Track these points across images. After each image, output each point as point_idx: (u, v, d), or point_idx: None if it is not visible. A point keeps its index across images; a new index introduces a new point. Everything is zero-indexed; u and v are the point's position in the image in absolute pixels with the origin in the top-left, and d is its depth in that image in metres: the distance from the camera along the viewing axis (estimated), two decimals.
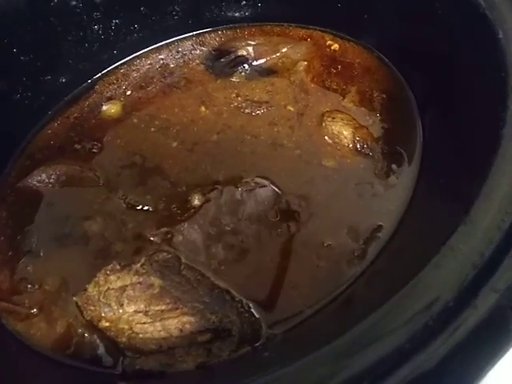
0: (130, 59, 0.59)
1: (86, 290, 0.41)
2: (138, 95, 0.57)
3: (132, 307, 0.39)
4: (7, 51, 0.50)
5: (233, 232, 0.45)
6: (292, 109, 0.53)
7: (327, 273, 0.42)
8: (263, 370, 0.31)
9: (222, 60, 0.57)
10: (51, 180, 0.49)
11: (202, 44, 0.60)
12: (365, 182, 0.47)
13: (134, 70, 0.59)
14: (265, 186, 0.47)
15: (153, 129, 0.53)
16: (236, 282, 0.41)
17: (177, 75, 0.58)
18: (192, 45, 0.60)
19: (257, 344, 0.38)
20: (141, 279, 0.41)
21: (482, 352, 0.25)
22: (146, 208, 0.47)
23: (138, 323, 0.39)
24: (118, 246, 0.45)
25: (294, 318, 0.40)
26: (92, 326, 0.40)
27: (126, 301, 0.40)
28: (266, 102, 0.54)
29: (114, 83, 0.58)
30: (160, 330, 0.38)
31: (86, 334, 0.40)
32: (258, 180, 0.47)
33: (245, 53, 0.57)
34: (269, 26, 0.60)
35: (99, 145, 0.52)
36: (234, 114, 0.53)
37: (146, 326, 0.39)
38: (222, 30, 0.61)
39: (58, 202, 0.49)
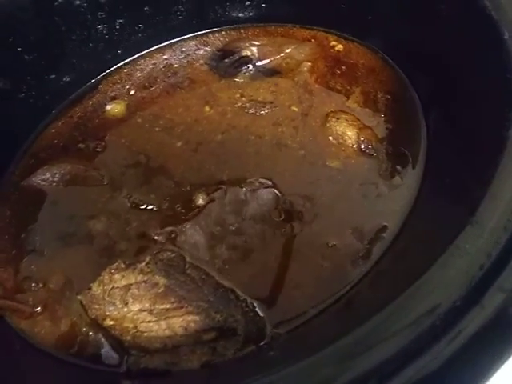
0: (134, 59, 0.59)
1: (90, 288, 0.41)
2: (142, 95, 0.57)
3: (137, 306, 0.40)
4: (12, 50, 0.50)
5: (237, 232, 0.45)
6: (296, 109, 0.53)
7: (332, 273, 0.42)
8: (268, 369, 0.31)
9: (226, 60, 0.57)
10: (55, 179, 0.49)
11: (206, 44, 0.60)
12: (369, 183, 0.47)
13: (137, 70, 0.59)
14: (268, 187, 0.47)
15: (157, 128, 0.53)
16: (240, 282, 0.41)
17: (181, 75, 0.58)
18: (196, 45, 0.60)
19: (261, 343, 0.38)
20: (145, 278, 0.41)
21: (488, 352, 0.25)
22: (150, 207, 0.47)
23: (142, 322, 0.39)
24: (123, 245, 0.45)
25: (299, 317, 0.40)
26: (96, 324, 0.40)
27: (130, 299, 0.40)
28: (271, 103, 0.54)
29: (117, 83, 0.58)
30: (165, 329, 0.38)
31: (90, 333, 0.40)
32: (263, 180, 0.48)
33: (249, 53, 0.57)
34: (273, 27, 0.60)
35: (103, 144, 0.52)
36: (239, 114, 0.53)
37: (151, 324, 0.39)
38: (226, 31, 0.61)
39: (62, 201, 0.49)
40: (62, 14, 0.51)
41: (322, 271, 0.42)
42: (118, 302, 0.40)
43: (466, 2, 0.44)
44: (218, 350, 0.38)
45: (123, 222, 0.46)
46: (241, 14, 0.60)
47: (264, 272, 0.42)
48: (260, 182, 0.48)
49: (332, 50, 0.57)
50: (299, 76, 0.55)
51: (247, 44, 0.58)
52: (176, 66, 0.59)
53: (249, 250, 0.44)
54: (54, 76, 0.54)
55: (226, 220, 0.45)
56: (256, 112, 0.53)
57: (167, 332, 0.38)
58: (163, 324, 0.39)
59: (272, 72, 0.56)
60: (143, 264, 0.41)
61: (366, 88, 0.53)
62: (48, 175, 0.49)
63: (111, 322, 0.40)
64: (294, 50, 0.57)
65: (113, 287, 0.41)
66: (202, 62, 0.59)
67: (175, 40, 0.60)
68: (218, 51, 0.59)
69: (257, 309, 0.40)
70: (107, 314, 0.40)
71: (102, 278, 0.41)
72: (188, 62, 0.59)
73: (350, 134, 0.49)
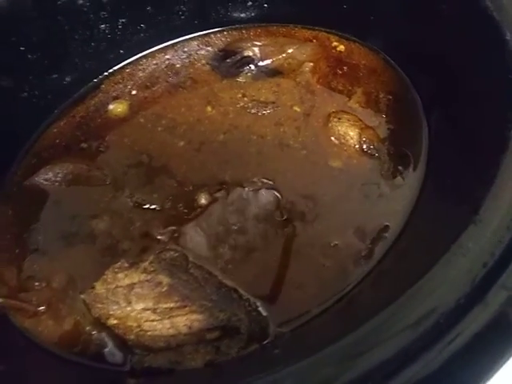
0: (136, 59, 0.59)
1: (93, 287, 0.41)
2: (144, 95, 0.57)
3: (140, 305, 0.40)
4: (15, 49, 0.50)
5: (239, 231, 0.45)
6: (298, 109, 0.53)
7: (334, 272, 0.42)
8: (271, 367, 0.31)
9: (228, 60, 0.57)
10: (58, 178, 0.49)
11: (208, 44, 0.60)
12: (371, 183, 0.47)
13: (140, 70, 0.59)
14: (270, 187, 0.47)
15: (159, 128, 0.53)
16: (243, 281, 0.41)
17: (183, 75, 0.58)
18: (198, 45, 0.60)
19: (265, 342, 0.38)
20: (149, 277, 0.41)
21: (492, 349, 0.25)
22: (153, 207, 0.47)
23: (146, 321, 0.39)
24: (125, 245, 0.45)
25: (301, 316, 0.40)
26: (100, 323, 0.40)
27: (134, 298, 0.40)
28: (273, 103, 0.54)
29: (120, 82, 0.58)
30: (169, 328, 0.38)
31: (94, 332, 0.41)
32: (265, 180, 0.48)
33: (251, 53, 0.57)
34: (274, 27, 0.60)
35: (105, 144, 0.52)
36: (241, 114, 0.54)
37: (155, 323, 0.39)
38: (228, 31, 0.61)
39: (64, 201, 0.49)
40: (65, 14, 0.51)
41: (324, 271, 0.42)
42: (121, 301, 0.40)
43: (468, 3, 0.44)
44: (222, 349, 0.38)
45: (126, 222, 0.46)
46: (243, 15, 0.60)
47: (266, 271, 0.43)
48: (262, 182, 0.48)
49: (334, 51, 0.58)
50: (301, 76, 0.56)
51: (249, 44, 0.58)
52: (178, 66, 0.59)
53: (251, 250, 0.44)
54: (56, 75, 0.54)
55: (228, 220, 0.45)
56: (258, 112, 0.53)
57: (171, 331, 0.38)
58: (167, 323, 0.39)
59: (274, 72, 0.56)
60: (147, 263, 0.42)
61: (368, 88, 0.54)
62: (50, 175, 0.49)
63: (115, 321, 0.40)
64: (296, 51, 0.57)
65: (116, 286, 0.41)
66: (203, 62, 0.59)
67: (177, 40, 0.60)
68: (220, 51, 0.59)
69: (260, 308, 0.40)
70: (111, 313, 0.40)
71: (105, 277, 0.41)
72: (190, 62, 0.59)
73: (352, 134, 0.49)
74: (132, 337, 0.39)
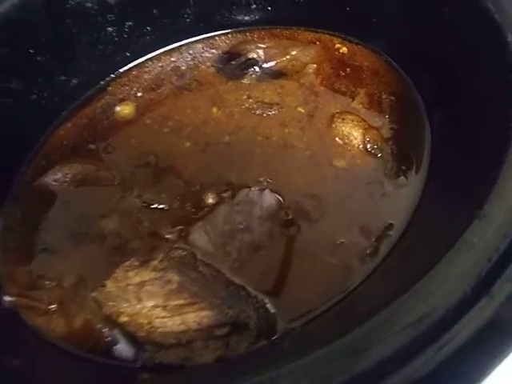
0: (142, 61, 0.60)
1: (104, 286, 0.42)
2: (150, 97, 0.58)
3: (151, 302, 0.40)
4: (24, 52, 0.51)
5: (246, 230, 0.45)
6: (302, 110, 0.54)
7: (340, 270, 0.43)
8: (280, 362, 0.32)
9: (233, 62, 0.58)
10: (67, 179, 0.50)
11: (213, 47, 0.61)
12: (375, 182, 0.48)
13: (145, 72, 0.60)
14: (276, 186, 0.48)
15: (166, 129, 0.54)
16: (251, 279, 0.42)
17: (188, 77, 0.59)
18: (203, 47, 0.61)
19: (273, 338, 0.39)
20: (159, 275, 0.41)
21: (498, 340, 0.26)
22: (161, 206, 0.48)
23: (157, 317, 0.40)
24: (135, 244, 0.46)
25: (309, 313, 0.40)
26: (111, 321, 0.41)
27: (144, 296, 0.41)
28: (277, 104, 0.55)
29: (126, 85, 0.59)
30: (179, 324, 0.39)
31: (105, 329, 0.41)
32: (270, 180, 0.48)
33: (255, 55, 0.58)
34: (278, 30, 0.61)
35: (113, 145, 0.53)
36: (246, 115, 0.54)
37: (165, 320, 0.39)
38: (233, 33, 0.62)
39: (73, 201, 0.50)
40: (73, 17, 0.52)
41: (330, 268, 0.43)
42: (132, 299, 0.41)
43: (469, 5, 0.45)
44: (231, 345, 0.38)
45: (135, 221, 0.47)
46: (247, 17, 0.61)
47: (273, 269, 0.43)
48: (268, 182, 0.48)
49: (337, 53, 0.58)
50: (305, 78, 0.56)
51: (253, 46, 0.59)
52: (183, 68, 0.60)
53: (258, 248, 0.44)
54: (64, 78, 0.55)
55: (235, 219, 0.46)
56: (263, 113, 0.54)
57: (181, 327, 0.39)
58: (177, 319, 0.39)
59: (278, 74, 0.57)
60: (156, 261, 0.42)
61: (371, 90, 0.54)
62: (60, 175, 0.50)
63: (126, 319, 0.40)
64: (300, 53, 0.58)
65: (127, 284, 0.41)
66: (208, 64, 0.60)
67: (182, 43, 0.61)
68: (225, 53, 0.60)
69: (267, 305, 0.41)
70: (121, 310, 0.41)
71: (116, 275, 0.42)
72: (195, 64, 0.60)
73: (356, 135, 0.50)
74: (143, 334, 0.40)
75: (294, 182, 0.48)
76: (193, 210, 0.47)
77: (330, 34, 0.59)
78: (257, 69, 0.57)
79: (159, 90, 0.58)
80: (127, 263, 0.43)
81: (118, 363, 0.40)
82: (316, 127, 0.52)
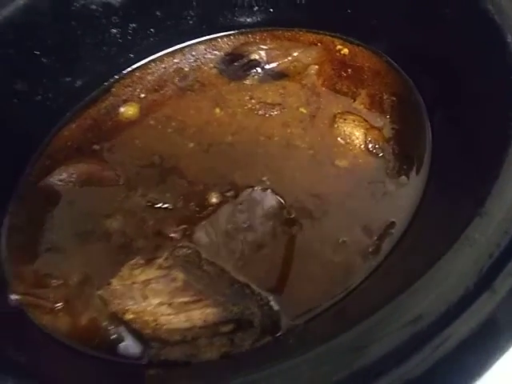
0: (145, 63, 0.61)
1: (110, 284, 0.42)
2: (154, 98, 0.58)
3: (156, 299, 0.41)
4: (30, 53, 0.51)
5: (249, 229, 0.46)
6: (304, 111, 0.54)
7: (342, 268, 0.43)
8: (284, 357, 0.32)
9: (236, 64, 0.59)
10: (72, 179, 0.51)
11: (215, 48, 0.62)
12: (377, 181, 0.48)
13: (149, 74, 0.61)
14: (279, 186, 0.48)
15: (169, 130, 0.55)
16: (254, 277, 0.42)
17: (191, 78, 0.60)
18: (205, 49, 0.62)
19: (277, 335, 0.39)
20: (164, 273, 0.42)
21: (501, 334, 0.27)
22: (165, 206, 0.48)
23: (162, 315, 0.40)
24: (140, 243, 0.46)
25: (312, 310, 0.41)
26: (117, 318, 0.41)
27: (150, 294, 0.41)
28: (279, 104, 0.55)
29: (129, 86, 0.59)
30: (184, 321, 0.40)
31: (111, 327, 0.42)
32: (273, 179, 0.49)
33: (257, 57, 0.58)
34: (280, 31, 0.62)
35: (117, 145, 0.54)
36: (248, 115, 0.55)
37: (171, 317, 0.40)
38: (235, 35, 0.62)
39: (78, 201, 0.50)
40: (78, 19, 0.53)
41: (333, 266, 0.43)
42: (137, 297, 0.41)
43: (469, 6, 0.45)
44: (236, 341, 0.39)
45: (139, 221, 0.48)
46: (249, 19, 0.61)
47: (277, 267, 0.44)
48: (270, 181, 0.49)
49: (338, 54, 0.59)
50: (306, 79, 0.57)
51: (255, 48, 0.59)
52: (186, 69, 0.61)
53: (261, 247, 0.45)
54: (69, 79, 0.55)
55: (238, 218, 0.46)
56: (265, 113, 0.55)
57: (187, 324, 0.40)
58: (182, 316, 0.40)
59: (280, 75, 0.58)
60: (161, 260, 0.43)
61: (372, 90, 0.55)
62: (65, 175, 0.51)
63: (131, 316, 0.41)
64: (301, 54, 0.58)
65: (132, 282, 0.42)
66: (211, 65, 0.61)
67: (185, 44, 0.62)
68: (227, 55, 0.61)
69: (271, 302, 0.41)
70: (127, 308, 0.41)
71: (121, 273, 0.43)
72: (198, 65, 0.61)
73: (358, 135, 0.51)
74: (148, 331, 0.40)
75: (297, 181, 0.49)
76: (197, 209, 0.48)
77: (332, 36, 0.60)
78: (259, 70, 0.58)
79: (162, 91, 0.59)
80: (132, 261, 0.43)
81: (124, 360, 0.40)
82: (318, 127, 0.53)
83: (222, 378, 0.37)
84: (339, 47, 0.59)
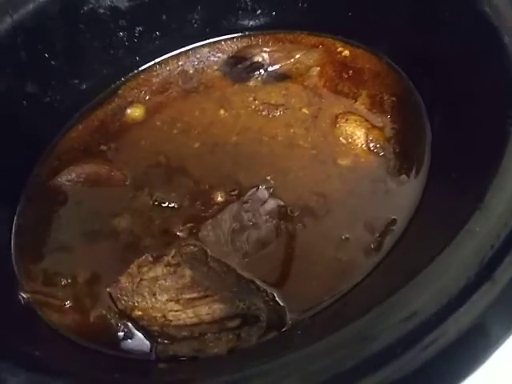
0: (151, 65, 0.62)
1: (119, 281, 0.43)
2: (159, 100, 0.59)
3: (164, 296, 0.42)
4: (40, 56, 0.52)
5: (254, 227, 0.47)
6: (307, 111, 0.55)
7: (345, 264, 0.44)
8: (290, 351, 0.33)
9: (239, 66, 0.60)
10: (80, 179, 0.52)
11: (219, 51, 0.63)
12: (378, 180, 0.49)
13: (154, 76, 0.62)
14: (282, 185, 0.49)
15: (175, 131, 0.56)
16: (260, 273, 0.43)
17: (195, 81, 0.61)
18: (209, 52, 0.63)
19: (283, 330, 0.40)
20: (172, 270, 0.43)
21: (501, 323, 0.28)
22: (171, 205, 0.49)
23: (170, 311, 0.41)
24: (147, 241, 0.47)
25: (316, 306, 0.42)
26: (125, 315, 0.42)
27: (158, 290, 0.42)
28: (282, 105, 0.56)
29: (135, 88, 0.61)
30: (192, 317, 0.40)
31: (119, 324, 0.42)
32: (277, 178, 0.50)
33: (260, 59, 0.60)
34: (282, 34, 0.63)
35: (124, 146, 0.55)
36: (252, 116, 0.56)
37: (179, 313, 0.41)
38: (238, 38, 0.63)
39: (86, 200, 0.51)
40: (86, 22, 0.54)
41: (336, 262, 0.44)
42: (146, 294, 0.42)
43: (467, 9, 0.46)
44: (243, 336, 0.39)
45: (147, 220, 0.49)
46: (252, 22, 0.62)
47: (281, 264, 0.44)
48: (274, 180, 0.50)
49: (339, 56, 0.60)
50: (309, 80, 0.58)
51: (258, 50, 0.60)
52: (191, 71, 0.62)
53: (266, 244, 0.46)
54: (77, 81, 0.56)
55: (243, 217, 0.47)
56: (269, 114, 0.56)
57: (194, 320, 0.40)
58: (190, 312, 0.41)
59: (283, 77, 0.59)
60: (169, 257, 0.44)
61: (373, 91, 0.56)
62: (73, 175, 0.52)
63: (140, 313, 0.42)
64: (303, 56, 0.60)
65: (141, 279, 0.43)
66: (215, 67, 0.62)
67: (189, 47, 0.63)
68: (231, 57, 0.62)
69: (276, 298, 0.42)
70: (136, 305, 0.42)
71: (130, 271, 0.43)
72: (202, 68, 0.62)
73: (359, 134, 0.52)
74: (156, 327, 0.41)
75: (300, 180, 0.50)
76: (202, 208, 0.49)
77: (333, 38, 0.61)
78: (262, 72, 0.59)
79: (167, 93, 0.60)
80: (141, 259, 0.44)
81: (133, 356, 0.41)
82: (320, 127, 0.54)
83: (230, 373, 0.38)
84: (340, 49, 0.60)
